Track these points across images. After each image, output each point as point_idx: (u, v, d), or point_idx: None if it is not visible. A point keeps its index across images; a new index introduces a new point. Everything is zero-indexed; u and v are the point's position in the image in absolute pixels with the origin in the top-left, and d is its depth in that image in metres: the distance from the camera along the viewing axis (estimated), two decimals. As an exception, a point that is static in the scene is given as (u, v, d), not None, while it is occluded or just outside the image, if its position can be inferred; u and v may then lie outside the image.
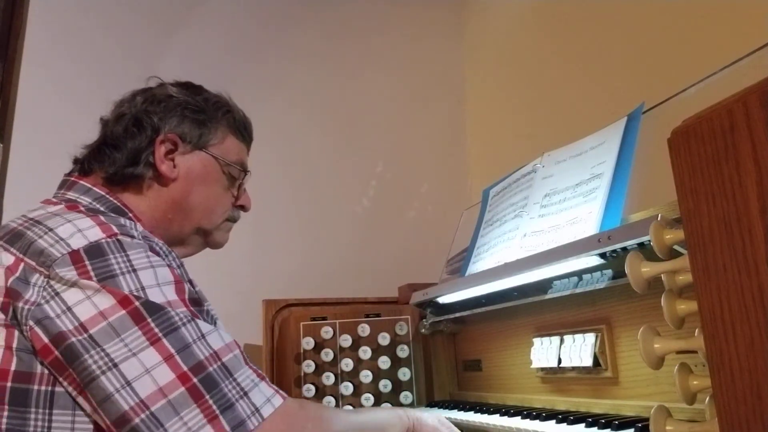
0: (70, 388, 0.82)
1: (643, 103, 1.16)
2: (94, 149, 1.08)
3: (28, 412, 0.81)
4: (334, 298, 1.73)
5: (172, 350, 0.81)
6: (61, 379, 0.82)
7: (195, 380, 0.81)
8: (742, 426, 0.54)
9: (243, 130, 1.20)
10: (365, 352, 1.61)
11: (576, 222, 1.17)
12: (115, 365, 0.79)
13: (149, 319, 0.82)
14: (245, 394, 0.85)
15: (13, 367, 0.81)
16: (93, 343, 0.80)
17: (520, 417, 1.21)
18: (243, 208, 1.21)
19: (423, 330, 1.64)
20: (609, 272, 1.07)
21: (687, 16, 1.49)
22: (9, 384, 0.81)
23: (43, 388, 0.82)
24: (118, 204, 1.04)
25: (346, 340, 1.61)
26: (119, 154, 1.06)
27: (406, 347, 1.65)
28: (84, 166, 1.08)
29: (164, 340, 0.82)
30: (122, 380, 0.79)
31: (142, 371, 0.79)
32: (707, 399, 0.65)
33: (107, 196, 1.04)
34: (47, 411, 0.82)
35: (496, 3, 2.34)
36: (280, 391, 0.91)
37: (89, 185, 1.04)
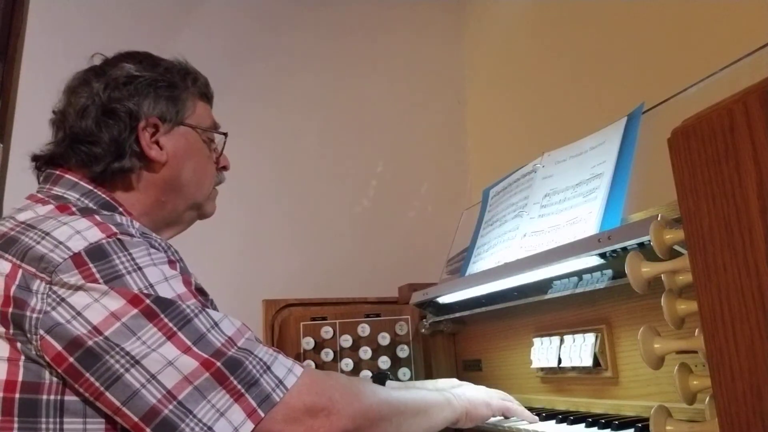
0: (86, 394, 0.80)
1: (643, 103, 1.16)
2: (66, 146, 1.01)
3: (39, 423, 0.79)
4: (334, 298, 1.73)
5: (189, 342, 0.81)
6: (76, 386, 0.79)
7: (218, 364, 0.81)
8: (742, 426, 0.54)
9: (207, 92, 1.17)
10: (365, 352, 1.61)
11: (576, 222, 1.17)
12: (137, 362, 0.79)
13: (162, 315, 0.81)
14: (268, 368, 0.85)
15: (20, 378, 0.79)
16: (111, 343, 0.79)
17: (520, 417, 1.22)
18: (225, 168, 1.18)
19: (423, 330, 1.64)
20: (609, 272, 1.07)
21: (687, 16, 1.49)
22: (17, 396, 0.79)
23: (52, 397, 0.80)
24: (108, 199, 1.00)
25: (346, 340, 1.61)
26: (99, 149, 0.99)
27: (406, 347, 1.65)
28: (58, 161, 1.02)
29: (180, 334, 0.81)
30: (147, 374, 0.79)
31: (164, 363, 0.79)
32: (707, 399, 0.65)
33: (95, 190, 0.99)
34: (58, 420, 0.80)
35: (496, 3, 2.34)
36: (298, 362, 0.90)
37: (75, 179, 0.99)
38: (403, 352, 1.63)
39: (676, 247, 0.73)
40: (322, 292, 1.78)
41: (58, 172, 1.01)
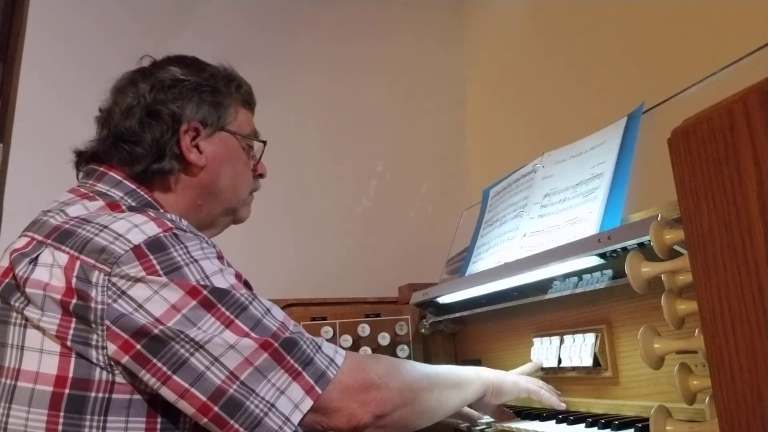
0: (151, 382, 0.81)
1: (643, 103, 1.16)
2: (110, 144, 1.03)
3: (83, 419, 0.81)
4: (334, 298, 1.73)
5: (247, 328, 0.85)
6: (141, 372, 0.81)
7: (275, 345, 0.85)
8: (742, 426, 0.54)
9: (250, 100, 1.18)
10: (365, 353, 1.61)
11: (576, 222, 1.17)
12: (201, 346, 0.82)
13: (219, 305, 0.85)
14: (319, 348, 0.90)
15: (70, 374, 0.81)
16: (175, 331, 0.81)
17: (520, 417, 1.22)
18: (262, 176, 1.20)
19: (423, 330, 1.64)
20: (609, 272, 1.07)
21: (687, 16, 1.49)
22: (67, 391, 0.81)
23: (100, 395, 0.82)
24: (149, 199, 1.02)
25: (346, 340, 1.61)
26: (140, 149, 1.01)
27: (406, 347, 1.65)
28: (100, 157, 1.04)
29: (237, 321, 0.85)
30: (210, 357, 0.82)
31: (226, 347, 0.83)
32: (707, 399, 0.65)
33: (138, 190, 1.01)
34: (102, 417, 0.82)
35: (496, 4, 2.34)
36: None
37: (119, 178, 1.01)
38: (403, 352, 1.63)
39: (676, 247, 0.73)
40: (322, 292, 1.78)
41: (102, 169, 1.02)
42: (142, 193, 1.01)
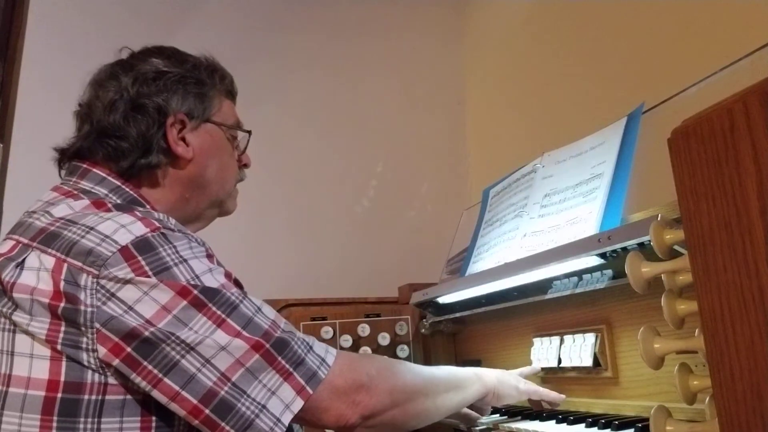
0: (143, 384, 0.81)
1: (643, 103, 1.16)
2: (93, 140, 1.00)
3: (77, 422, 0.80)
4: (334, 298, 1.73)
5: (239, 327, 0.84)
6: (133, 375, 0.81)
7: (267, 346, 0.85)
8: (742, 426, 0.54)
9: (233, 90, 1.17)
10: (365, 353, 1.61)
11: (576, 222, 1.17)
12: (192, 348, 0.81)
13: (210, 304, 0.84)
14: (310, 348, 0.89)
15: (62, 378, 0.80)
16: (166, 332, 0.81)
17: (520, 417, 1.22)
18: (246, 166, 1.19)
19: (423, 330, 1.64)
20: (609, 272, 1.07)
21: (687, 16, 1.49)
22: (59, 395, 0.80)
23: (93, 397, 0.81)
24: (135, 196, 1.00)
25: (346, 340, 1.61)
26: (126, 144, 0.99)
27: (406, 347, 1.65)
28: (83, 154, 1.01)
29: (229, 320, 0.84)
30: (202, 359, 0.81)
31: (217, 348, 0.82)
32: (707, 399, 0.65)
33: (123, 187, 0.99)
34: (96, 419, 0.81)
35: (496, 3, 2.34)
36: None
37: (103, 174, 0.99)
38: (403, 352, 1.63)
39: (676, 247, 0.73)
40: (322, 292, 1.78)
41: (85, 166, 1.00)
42: (127, 189, 0.99)
